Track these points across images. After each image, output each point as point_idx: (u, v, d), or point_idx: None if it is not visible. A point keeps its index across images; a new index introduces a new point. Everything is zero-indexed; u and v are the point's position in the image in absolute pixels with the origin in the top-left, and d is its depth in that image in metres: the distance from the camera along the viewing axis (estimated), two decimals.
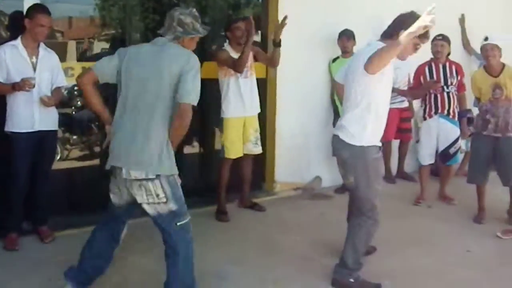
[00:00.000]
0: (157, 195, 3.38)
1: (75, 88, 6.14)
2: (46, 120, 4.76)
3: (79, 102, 6.28)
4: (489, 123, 5.63)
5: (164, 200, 3.39)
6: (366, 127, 3.91)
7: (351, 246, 4.14)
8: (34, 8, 4.68)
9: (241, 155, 5.71)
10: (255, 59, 5.71)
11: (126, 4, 5.89)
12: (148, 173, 3.35)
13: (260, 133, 5.93)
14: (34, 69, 4.67)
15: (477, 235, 5.36)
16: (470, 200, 6.04)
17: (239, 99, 5.56)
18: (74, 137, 6.27)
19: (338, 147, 4.07)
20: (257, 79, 5.90)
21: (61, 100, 5.11)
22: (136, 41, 5.72)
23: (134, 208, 3.62)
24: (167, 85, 3.34)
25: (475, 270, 4.55)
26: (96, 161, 6.26)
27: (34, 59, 4.69)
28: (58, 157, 5.92)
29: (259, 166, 6.45)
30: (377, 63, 3.64)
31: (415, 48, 3.95)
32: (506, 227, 5.46)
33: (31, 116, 4.67)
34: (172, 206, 3.42)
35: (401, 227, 5.49)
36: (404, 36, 3.52)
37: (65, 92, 5.96)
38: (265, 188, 6.67)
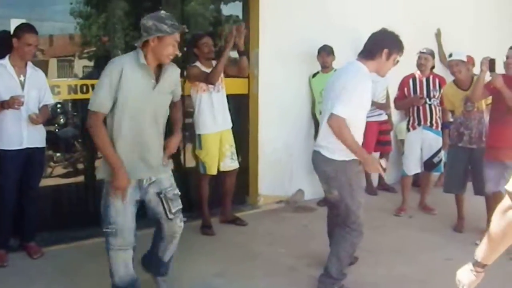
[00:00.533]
0: None
1: (58, 105, 6.20)
2: (34, 137, 4.80)
3: (61, 120, 6.32)
4: (463, 135, 5.76)
5: None
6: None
7: (335, 257, 4.23)
8: (21, 28, 4.75)
9: (215, 173, 5.69)
10: (225, 73, 5.72)
11: (106, 22, 5.95)
12: None
13: (243, 148, 6.02)
14: (23, 87, 4.73)
15: (458, 243, 5.45)
16: (450, 210, 6.17)
17: (213, 114, 5.58)
18: (58, 154, 6.29)
19: (319, 163, 4.15)
20: (239, 95, 5.99)
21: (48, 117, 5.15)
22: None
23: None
24: None
25: (455, 277, 4.63)
26: (80, 178, 6.29)
27: (22, 78, 4.75)
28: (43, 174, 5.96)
29: (243, 180, 6.53)
30: (337, 135, 3.91)
31: (394, 63, 4.12)
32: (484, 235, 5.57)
33: (19, 133, 4.71)
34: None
35: (384, 238, 5.60)
36: (362, 155, 3.95)
37: (50, 110, 6.04)
38: (248, 202, 6.75)
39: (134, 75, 3.42)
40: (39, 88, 4.88)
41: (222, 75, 5.61)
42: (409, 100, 6.43)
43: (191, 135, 5.81)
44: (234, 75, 5.93)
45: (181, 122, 3.93)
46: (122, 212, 3.54)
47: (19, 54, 4.72)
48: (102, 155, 3.53)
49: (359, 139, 4.05)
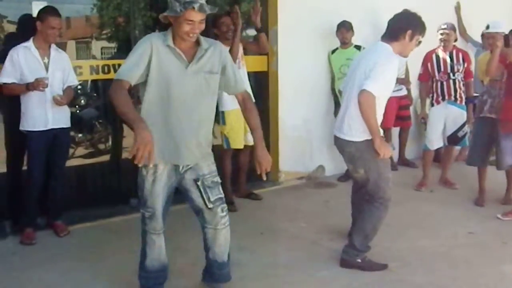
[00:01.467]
0: None
1: (79, 87, 6.25)
2: (59, 118, 4.87)
3: (82, 101, 6.38)
4: (485, 104, 5.77)
5: None
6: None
7: (361, 230, 4.28)
8: (45, 11, 4.79)
9: (241, 147, 5.80)
10: (245, 51, 5.76)
11: (123, 3, 5.97)
12: None
13: (263, 125, 5.98)
14: (47, 69, 4.78)
15: (479, 217, 5.48)
16: (471, 184, 6.21)
17: None
18: (80, 135, 6.37)
19: (342, 145, 4.20)
20: (259, 72, 5.99)
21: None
22: (137, 39, 5.81)
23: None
24: None
25: (478, 250, 4.68)
26: (102, 158, 6.37)
27: (46, 60, 4.80)
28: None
29: None
30: (364, 111, 3.90)
31: (417, 44, 4.17)
32: (506, 209, 5.59)
33: (44, 115, 4.79)
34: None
35: (405, 212, 5.62)
36: (376, 139, 3.95)
37: None
38: (270, 178, 6.73)
39: (165, 55, 3.22)
40: (63, 70, 4.93)
41: (241, 52, 5.65)
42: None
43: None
44: (255, 53, 5.95)
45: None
46: (158, 196, 3.40)
47: (43, 37, 4.77)
48: (122, 116, 3.12)
49: (380, 117, 4.08)
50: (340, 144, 4.23)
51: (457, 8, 8.20)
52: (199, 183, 3.39)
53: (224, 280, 3.71)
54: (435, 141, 6.57)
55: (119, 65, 5.56)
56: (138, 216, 3.60)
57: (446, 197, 6.19)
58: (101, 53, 6.41)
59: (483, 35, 7.27)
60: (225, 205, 3.52)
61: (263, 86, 6.66)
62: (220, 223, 3.48)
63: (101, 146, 6.49)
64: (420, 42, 4.20)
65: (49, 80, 4.70)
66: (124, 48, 5.90)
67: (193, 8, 3.07)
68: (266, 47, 5.87)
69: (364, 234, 4.27)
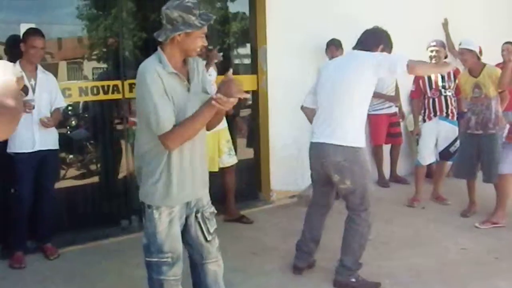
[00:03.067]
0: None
1: (69, 108, 6.23)
2: (46, 140, 4.86)
3: (73, 122, 6.35)
4: (469, 121, 5.86)
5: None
6: (358, 130, 4.13)
7: (349, 249, 4.28)
8: (27, 32, 4.83)
9: (216, 169, 5.67)
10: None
11: (114, 23, 5.98)
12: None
13: (254, 144, 6.05)
14: (33, 91, 4.78)
15: (471, 233, 5.48)
16: (463, 199, 6.22)
17: None
18: (70, 156, 6.33)
19: (330, 154, 4.14)
20: (249, 92, 5.99)
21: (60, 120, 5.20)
22: (126, 59, 5.83)
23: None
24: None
25: (470, 266, 4.67)
26: (93, 179, 6.34)
27: (32, 82, 4.80)
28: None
29: (255, 176, 6.57)
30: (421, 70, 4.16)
31: None
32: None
33: (31, 136, 4.77)
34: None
35: (397, 229, 5.62)
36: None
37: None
38: (261, 197, 6.78)
39: (170, 82, 2.91)
40: (50, 91, 4.94)
41: (213, 77, 5.53)
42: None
43: None
44: None
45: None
46: (176, 238, 3.07)
47: (27, 57, 4.79)
48: (201, 128, 2.95)
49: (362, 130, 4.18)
50: (327, 152, 4.14)
51: (445, 25, 8.26)
52: (198, 215, 3.16)
53: None
54: (427, 156, 6.60)
55: (108, 86, 5.62)
56: (129, 238, 3.53)
57: (438, 213, 6.19)
58: (92, 74, 6.39)
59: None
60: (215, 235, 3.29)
61: (253, 105, 6.67)
62: (219, 256, 3.31)
63: (92, 167, 6.44)
64: None
65: (35, 102, 4.70)
66: (114, 69, 5.90)
67: (208, 22, 2.92)
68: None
69: (353, 252, 4.27)
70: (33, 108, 4.64)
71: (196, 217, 3.16)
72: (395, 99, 7.24)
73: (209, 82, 3.27)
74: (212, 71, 5.61)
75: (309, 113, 4.52)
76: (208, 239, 3.20)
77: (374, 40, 4.24)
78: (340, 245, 4.53)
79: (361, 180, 4.15)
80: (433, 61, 6.36)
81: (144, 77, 2.89)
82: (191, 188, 3.07)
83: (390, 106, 7.23)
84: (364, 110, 4.15)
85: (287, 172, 6.77)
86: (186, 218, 3.16)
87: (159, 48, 2.99)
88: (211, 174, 5.54)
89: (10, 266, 4.77)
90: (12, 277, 4.62)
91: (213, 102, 2.79)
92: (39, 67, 4.91)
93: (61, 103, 5.06)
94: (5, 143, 4.77)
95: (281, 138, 6.66)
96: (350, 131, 4.08)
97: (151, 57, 2.99)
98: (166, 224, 3.02)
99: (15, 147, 4.77)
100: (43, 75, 4.91)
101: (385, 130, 7.26)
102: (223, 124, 5.64)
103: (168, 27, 2.89)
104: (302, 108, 4.59)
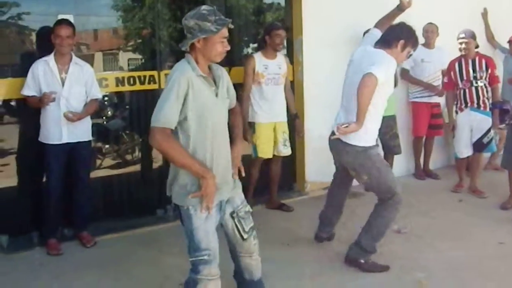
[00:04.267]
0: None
1: (106, 98, 6.30)
2: (75, 132, 4.87)
3: (109, 112, 6.41)
4: None
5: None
6: (368, 129, 4.16)
7: (369, 231, 4.40)
8: (55, 23, 4.85)
9: (271, 156, 5.84)
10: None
11: (149, 14, 6.02)
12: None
13: (289, 135, 6.04)
14: (63, 84, 4.81)
15: (509, 227, 5.38)
16: (501, 193, 6.12)
17: (266, 106, 5.75)
18: (106, 146, 6.40)
19: (341, 153, 4.31)
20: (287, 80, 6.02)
21: (95, 111, 5.24)
22: (162, 50, 5.86)
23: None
24: None
25: (508, 261, 4.58)
26: (129, 169, 6.40)
27: (63, 75, 4.84)
28: (91, 166, 6.07)
29: (290, 167, 6.56)
30: (360, 91, 3.95)
31: (407, 56, 4.39)
32: None
33: (58, 129, 4.81)
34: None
35: (433, 222, 5.56)
36: (353, 126, 4.05)
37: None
38: (296, 189, 6.77)
39: (199, 86, 3.05)
40: (85, 83, 4.95)
41: (283, 70, 5.79)
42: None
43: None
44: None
45: (241, 129, 3.52)
46: (213, 235, 3.15)
47: (56, 48, 4.82)
48: (183, 167, 3.06)
49: (378, 128, 4.27)
50: (339, 150, 4.33)
51: (484, 14, 8.09)
52: (234, 215, 3.28)
53: None
54: (464, 149, 6.58)
55: (144, 76, 5.66)
56: (165, 227, 3.54)
57: (475, 207, 6.09)
58: (128, 65, 6.45)
59: (510, 41, 7.25)
60: (255, 232, 3.41)
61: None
62: (254, 251, 3.42)
63: (128, 157, 6.51)
64: (411, 55, 4.43)
65: (65, 95, 4.76)
66: (150, 60, 5.94)
67: (224, 26, 3.04)
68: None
69: (372, 235, 4.37)
70: (53, 100, 4.68)
71: (232, 217, 3.29)
72: (436, 89, 7.07)
73: (233, 91, 3.40)
74: (284, 63, 5.83)
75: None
76: (245, 237, 3.32)
77: (394, 35, 4.25)
78: None
79: (376, 173, 4.23)
80: (463, 52, 6.32)
81: (172, 75, 3.06)
82: (221, 187, 3.17)
83: (430, 96, 7.10)
84: (376, 110, 4.16)
85: (322, 163, 6.70)
86: (222, 221, 3.29)
87: (186, 54, 3.13)
88: (270, 161, 5.82)
89: (48, 253, 4.86)
90: (49, 264, 4.70)
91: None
92: (74, 58, 4.92)
93: (97, 94, 5.07)
94: (37, 131, 4.86)
95: (316, 128, 6.60)
96: (361, 131, 4.11)
97: (181, 61, 3.14)
98: (203, 220, 3.10)
99: (43, 138, 4.85)
100: (76, 67, 4.91)
101: (426, 120, 7.15)
102: (284, 117, 5.89)
103: (188, 36, 3.05)
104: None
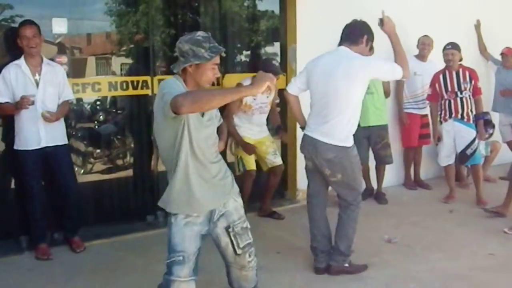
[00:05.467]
0: None
1: (97, 102, 6.28)
2: (53, 135, 4.80)
3: (101, 117, 6.40)
4: None
5: None
6: (350, 130, 4.29)
7: (344, 237, 4.48)
8: (19, 24, 4.76)
9: (254, 168, 5.85)
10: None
11: (142, 19, 6.01)
12: None
13: (282, 143, 6.05)
14: (37, 86, 4.74)
15: (499, 238, 5.37)
16: (492, 204, 6.14)
17: (250, 128, 5.82)
18: (98, 150, 6.38)
19: (323, 149, 4.29)
20: (278, 90, 6.00)
21: (80, 112, 5.20)
22: (155, 55, 5.85)
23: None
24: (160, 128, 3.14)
25: (498, 272, 4.58)
26: (120, 173, 6.38)
27: (37, 76, 4.76)
28: (82, 171, 6.05)
29: (282, 175, 6.53)
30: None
31: (370, 50, 4.62)
32: None
33: (37, 133, 4.73)
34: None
35: (424, 232, 5.55)
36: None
37: (88, 106, 6.13)
38: (287, 197, 6.76)
39: None
40: (58, 84, 4.87)
41: (270, 98, 5.88)
42: None
43: None
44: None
45: (225, 134, 3.60)
46: (192, 240, 3.21)
47: (24, 50, 4.72)
48: (211, 99, 2.85)
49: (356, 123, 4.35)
50: (319, 149, 4.31)
51: (477, 26, 8.14)
52: (230, 230, 3.30)
53: None
54: (445, 158, 6.68)
55: (137, 81, 5.65)
56: (155, 233, 3.54)
57: (466, 217, 6.09)
58: (121, 69, 6.44)
59: (502, 54, 7.31)
60: (253, 249, 3.42)
61: (281, 104, 6.63)
62: (246, 266, 3.41)
63: (119, 162, 6.49)
64: (372, 47, 4.60)
65: (39, 96, 4.68)
66: (143, 65, 5.93)
67: (217, 54, 3.09)
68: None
69: (348, 239, 4.49)
70: (32, 103, 4.57)
71: (228, 232, 3.30)
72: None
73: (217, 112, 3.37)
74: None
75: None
76: (238, 252, 3.33)
77: (358, 31, 4.37)
78: (364, 245, 4.51)
79: (351, 173, 4.35)
80: (450, 64, 6.38)
81: (165, 83, 3.08)
82: (208, 198, 3.21)
83: (424, 107, 7.11)
84: (356, 111, 4.28)
85: None
86: (211, 232, 3.31)
87: (176, 75, 3.16)
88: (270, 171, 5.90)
89: (36, 257, 4.83)
90: (38, 268, 4.67)
91: (242, 87, 3.00)
92: (45, 59, 4.84)
93: (69, 95, 4.99)
94: (12, 139, 4.79)
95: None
96: (343, 132, 4.25)
97: (171, 79, 3.14)
98: (181, 226, 3.19)
99: (21, 144, 4.75)
100: (48, 68, 4.83)
101: (417, 131, 7.19)
102: (266, 132, 5.93)
103: (181, 59, 3.09)
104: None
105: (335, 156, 4.25)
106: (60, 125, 4.91)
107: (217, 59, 3.12)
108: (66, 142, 4.99)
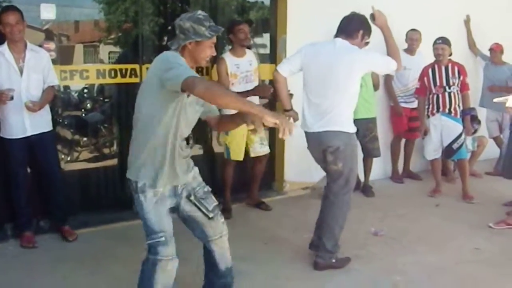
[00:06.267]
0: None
1: (85, 90, 6.23)
2: (38, 123, 4.74)
3: (88, 105, 6.34)
4: None
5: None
6: (351, 116, 4.36)
7: (330, 233, 4.44)
8: (1, 10, 4.68)
9: (241, 159, 5.79)
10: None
11: (129, 8, 5.96)
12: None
13: (270, 134, 6.03)
14: (21, 73, 4.67)
15: (485, 233, 5.41)
16: (478, 199, 6.20)
17: None
18: (85, 138, 6.32)
19: (329, 139, 4.31)
20: (265, 81, 5.99)
21: (68, 100, 5.14)
22: (145, 44, 5.81)
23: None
24: (145, 97, 3.17)
25: (484, 266, 4.61)
26: (107, 162, 6.34)
27: (21, 63, 4.68)
28: (68, 159, 6.00)
29: (269, 166, 6.54)
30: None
31: (365, 44, 4.55)
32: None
33: (21, 122, 4.67)
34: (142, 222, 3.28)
35: (411, 226, 5.57)
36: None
37: (75, 94, 6.07)
38: (275, 188, 6.76)
39: None
40: (42, 70, 4.79)
41: (255, 66, 5.81)
42: None
43: None
44: None
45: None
46: (166, 218, 3.26)
47: (7, 37, 4.64)
48: (224, 98, 2.84)
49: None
50: (326, 138, 4.32)
51: (467, 21, 8.15)
52: (191, 198, 3.36)
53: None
54: (432, 151, 6.71)
55: (126, 69, 5.61)
56: (141, 222, 3.52)
57: (452, 211, 6.12)
58: (108, 58, 6.38)
59: (491, 49, 7.35)
60: (220, 211, 3.54)
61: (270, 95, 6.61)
62: (224, 230, 3.53)
63: (106, 151, 6.44)
64: (367, 42, 4.59)
65: (24, 85, 4.63)
66: (131, 53, 5.88)
67: (217, 33, 3.19)
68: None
69: (334, 236, 4.43)
70: (11, 99, 4.49)
71: (190, 200, 3.36)
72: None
73: None
74: (253, 59, 5.77)
75: (283, 82, 4.68)
76: (210, 216, 3.40)
77: (355, 26, 4.38)
78: (351, 237, 4.53)
79: (350, 163, 4.36)
80: (440, 58, 6.45)
81: (170, 56, 3.09)
82: (174, 175, 3.25)
83: (413, 101, 7.13)
84: (352, 101, 4.35)
85: (302, 163, 6.69)
86: (178, 205, 3.36)
87: (175, 51, 3.19)
88: (238, 162, 5.76)
89: (21, 245, 4.80)
90: (23, 256, 4.65)
91: (255, 104, 2.94)
92: (29, 45, 4.75)
93: (54, 80, 4.90)
94: None
95: (297, 128, 6.58)
96: (346, 118, 4.33)
97: (172, 51, 3.19)
98: (153, 203, 3.21)
99: (5, 133, 4.70)
100: (32, 54, 4.75)
101: (405, 122, 7.22)
102: None
103: (181, 36, 3.16)
104: (277, 73, 4.67)
105: (342, 144, 4.28)
106: (45, 112, 4.83)
107: (214, 38, 3.20)
108: (51, 128, 4.94)
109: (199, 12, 3.21)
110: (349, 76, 4.23)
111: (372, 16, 4.28)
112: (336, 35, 4.44)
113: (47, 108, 4.85)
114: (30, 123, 4.70)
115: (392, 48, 4.26)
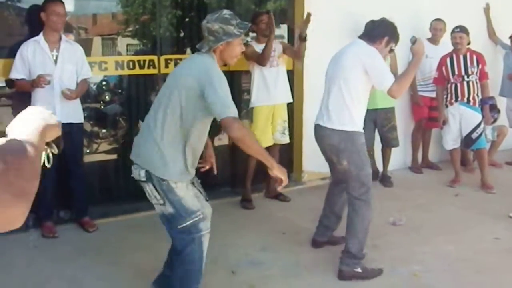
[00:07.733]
0: (155, 197, 3.35)
1: (103, 82, 6.26)
2: (69, 113, 4.75)
3: (107, 97, 6.38)
4: None
5: (162, 202, 3.33)
6: (355, 115, 4.17)
7: (353, 236, 4.20)
8: (47, 0, 4.74)
9: (271, 144, 5.81)
10: (284, 52, 5.89)
11: (146, 0, 5.98)
12: (140, 174, 3.39)
13: (288, 124, 6.04)
14: (55, 63, 4.74)
15: (505, 223, 5.37)
16: (498, 189, 6.15)
17: (265, 88, 5.76)
18: (104, 130, 6.37)
19: (326, 134, 4.26)
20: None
21: (87, 92, 5.18)
22: (162, 35, 5.83)
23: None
24: (177, 96, 3.20)
25: (503, 256, 4.59)
26: (126, 153, 6.36)
27: (55, 53, 4.75)
28: (88, 150, 6.05)
29: (287, 156, 6.54)
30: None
31: (389, 51, 4.51)
32: None
33: (52, 109, 4.64)
34: (170, 209, 3.31)
35: (430, 216, 5.55)
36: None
37: (94, 86, 6.11)
38: (293, 178, 6.74)
39: None
40: (75, 63, 4.87)
41: (280, 51, 5.84)
42: None
43: (246, 111, 5.94)
44: (290, 57, 6.14)
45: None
46: (197, 197, 3.41)
47: (50, 27, 4.71)
48: (256, 154, 3.23)
49: (364, 113, 4.28)
50: (324, 132, 4.28)
51: (486, 10, 8.05)
52: (195, 183, 3.49)
53: None
54: (451, 141, 6.66)
55: (144, 61, 5.64)
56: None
57: (471, 201, 6.09)
58: (127, 50, 6.41)
59: (511, 38, 7.27)
60: None
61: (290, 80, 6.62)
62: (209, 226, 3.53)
63: (125, 142, 6.48)
64: (392, 49, 4.54)
65: (57, 73, 4.68)
66: (149, 45, 5.90)
67: (246, 29, 3.30)
68: (303, 56, 6.04)
69: (358, 239, 4.19)
70: (48, 83, 4.55)
71: (194, 185, 3.47)
72: None
73: None
74: (276, 46, 5.80)
75: None
76: (207, 199, 3.55)
77: (380, 31, 4.29)
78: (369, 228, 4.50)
79: (357, 160, 4.17)
80: (458, 47, 6.39)
81: (208, 64, 3.20)
82: (193, 168, 3.43)
83: (433, 90, 7.07)
84: (362, 96, 4.20)
85: (320, 153, 6.71)
86: None
87: (205, 52, 3.28)
88: (268, 149, 5.72)
89: (42, 235, 4.85)
90: (43, 246, 4.70)
91: (274, 166, 3.21)
92: (64, 37, 4.84)
93: (88, 73, 4.99)
94: None
95: (315, 118, 6.59)
96: (347, 116, 4.15)
97: (205, 56, 3.27)
98: (185, 187, 3.33)
99: None
100: (67, 45, 4.83)
101: (426, 109, 7.19)
102: (280, 99, 5.90)
103: (211, 39, 3.22)
104: None
105: (339, 142, 4.17)
106: (76, 103, 4.91)
107: (243, 36, 3.33)
108: (82, 121, 5.03)
109: (224, 11, 3.27)
110: (351, 68, 4.10)
111: (413, 41, 4.17)
112: (359, 37, 4.38)
113: (78, 100, 4.92)
114: (60, 112, 4.69)
115: (408, 75, 4.04)
